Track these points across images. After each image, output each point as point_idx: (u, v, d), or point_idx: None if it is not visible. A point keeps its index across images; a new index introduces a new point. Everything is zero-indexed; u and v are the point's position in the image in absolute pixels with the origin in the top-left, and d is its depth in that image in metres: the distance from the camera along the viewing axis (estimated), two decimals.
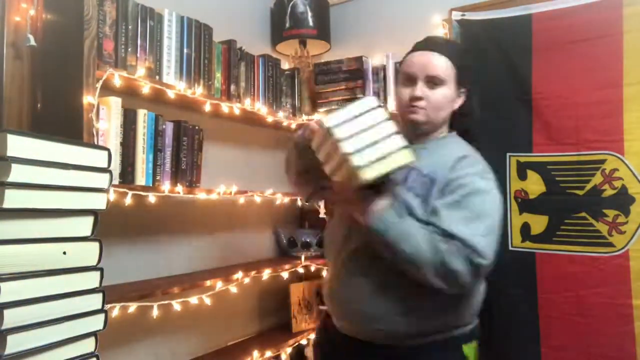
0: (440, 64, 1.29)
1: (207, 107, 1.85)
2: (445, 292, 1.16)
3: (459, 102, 1.35)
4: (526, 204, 2.03)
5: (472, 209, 1.17)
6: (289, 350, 2.20)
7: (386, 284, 1.22)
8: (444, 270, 1.12)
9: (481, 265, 1.13)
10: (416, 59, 1.32)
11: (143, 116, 1.59)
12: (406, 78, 1.33)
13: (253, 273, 1.96)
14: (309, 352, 2.32)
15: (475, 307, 1.34)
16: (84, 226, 1.08)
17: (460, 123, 1.38)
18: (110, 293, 1.23)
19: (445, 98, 1.30)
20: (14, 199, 0.92)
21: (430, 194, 1.21)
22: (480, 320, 1.37)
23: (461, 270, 1.12)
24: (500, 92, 2.07)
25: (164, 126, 1.68)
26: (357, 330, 1.28)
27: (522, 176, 2.04)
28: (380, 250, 1.18)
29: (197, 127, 1.80)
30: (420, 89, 1.29)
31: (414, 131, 1.33)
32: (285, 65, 2.47)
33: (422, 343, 1.23)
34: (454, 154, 1.27)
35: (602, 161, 1.88)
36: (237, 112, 1.96)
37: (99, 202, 1.11)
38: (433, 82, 1.29)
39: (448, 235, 1.13)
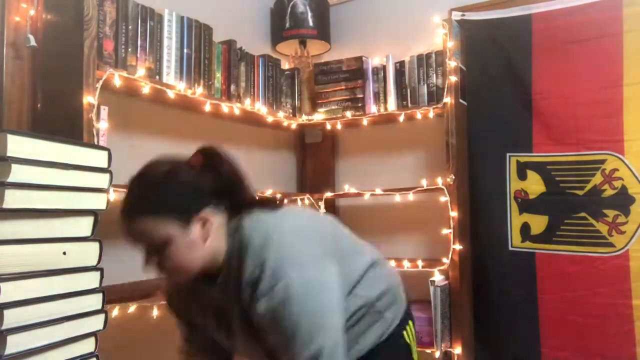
0: (140, 230, 0.99)
1: (207, 107, 1.84)
2: None
3: (198, 230, 1.00)
4: (526, 204, 2.03)
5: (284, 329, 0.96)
6: None
7: None
8: None
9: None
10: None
11: None
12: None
13: None
14: None
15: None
16: (84, 226, 1.08)
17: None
18: (110, 293, 1.23)
19: (178, 255, 0.99)
20: (14, 199, 0.92)
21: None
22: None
23: None
24: (500, 92, 2.07)
25: None
26: None
27: (522, 176, 2.04)
28: None
29: None
30: (147, 261, 1.01)
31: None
32: (285, 65, 2.46)
33: None
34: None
35: (602, 161, 1.88)
36: (237, 112, 1.96)
37: (99, 202, 1.11)
38: (153, 251, 1.00)
39: None
